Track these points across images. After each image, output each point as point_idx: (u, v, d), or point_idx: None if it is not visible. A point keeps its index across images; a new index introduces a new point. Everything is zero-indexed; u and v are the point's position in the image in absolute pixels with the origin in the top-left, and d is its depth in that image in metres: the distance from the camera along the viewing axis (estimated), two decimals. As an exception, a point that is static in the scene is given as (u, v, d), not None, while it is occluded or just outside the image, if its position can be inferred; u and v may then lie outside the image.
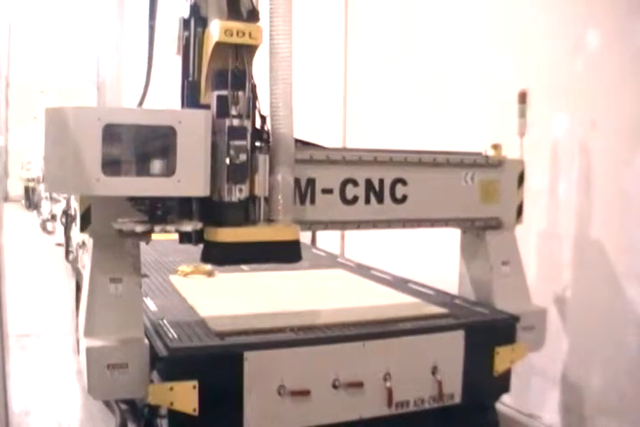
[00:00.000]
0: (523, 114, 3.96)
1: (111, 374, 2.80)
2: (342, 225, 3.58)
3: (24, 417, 4.48)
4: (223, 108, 2.84)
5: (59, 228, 11.41)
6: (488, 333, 3.52)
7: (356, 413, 3.19)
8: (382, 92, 6.53)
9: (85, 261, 3.23)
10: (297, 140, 3.17)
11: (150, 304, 3.63)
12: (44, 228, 14.56)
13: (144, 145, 2.75)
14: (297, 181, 3.25)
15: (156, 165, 2.72)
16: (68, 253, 9.36)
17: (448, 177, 3.67)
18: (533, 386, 4.41)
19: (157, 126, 2.72)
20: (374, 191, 3.47)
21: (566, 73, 4.15)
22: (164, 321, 3.27)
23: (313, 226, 3.46)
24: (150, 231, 2.78)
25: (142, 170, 2.71)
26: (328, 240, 7.02)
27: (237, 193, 2.86)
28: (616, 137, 3.85)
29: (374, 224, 3.55)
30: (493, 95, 4.85)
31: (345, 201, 3.42)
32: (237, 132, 2.84)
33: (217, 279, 4.53)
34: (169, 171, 2.71)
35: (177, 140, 2.69)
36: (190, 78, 2.96)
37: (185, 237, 2.97)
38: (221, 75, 2.87)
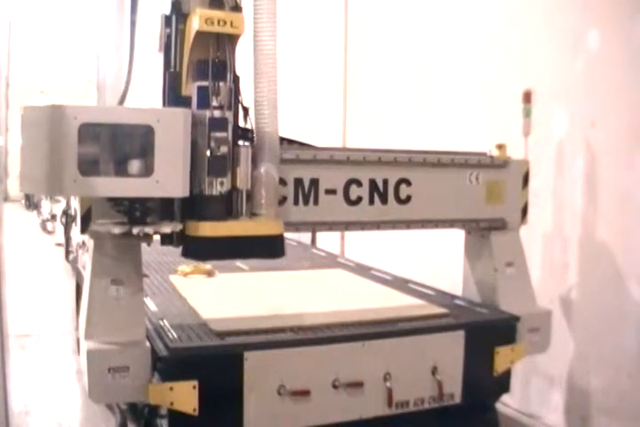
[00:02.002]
0: (527, 114, 3.93)
1: (112, 377, 2.76)
2: (346, 226, 3.53)
3: (24, 417, 4.48)
4: (204, 99, 2.77)
5: (59, 228, 11.39)
6: (488, 333, 3.52)
7: (356, 413, 3.18)
8: (383, 92, 6.52)
9: (86, 262, 3.21)
10: (283, 139, 3.11)
11: (150, 304, 3.63)
12: (44, 228, 14.55)
13: (122, 144, 2.68)
14: (300, 182, 3.22)
15: (134, 164, 2.65)
16: (68, 253, 9.35)
17: (452, 177, 3.62)
18: (534, 386, 4.41)
19: (135, 125, 2.65)
20: (378, 192, 3.43)
21: (566, 73, 4.16)
22: (164, 321, 3.26)
23: (316, 227, 3.41)
24: (129, 233, 2.70)
25: (120, 170, 2.65)
26: (328, 240, 7.02)
27: (218, 186, 2.80)
28: (616, 137, 3.85)
29: (378, 225, 3.52)
30: (494, 95, 4.85)
31: (349, 202, 3.37)
32: (218, 124, 2.78)
33: (217, 279, 4.52)
34: (147, 171, 2.64)
35: (155, 139, 2.62)
36: (172, 69, 2.89)
37: (166, 239, 2.91)
38: (202, 65, 2.79)
